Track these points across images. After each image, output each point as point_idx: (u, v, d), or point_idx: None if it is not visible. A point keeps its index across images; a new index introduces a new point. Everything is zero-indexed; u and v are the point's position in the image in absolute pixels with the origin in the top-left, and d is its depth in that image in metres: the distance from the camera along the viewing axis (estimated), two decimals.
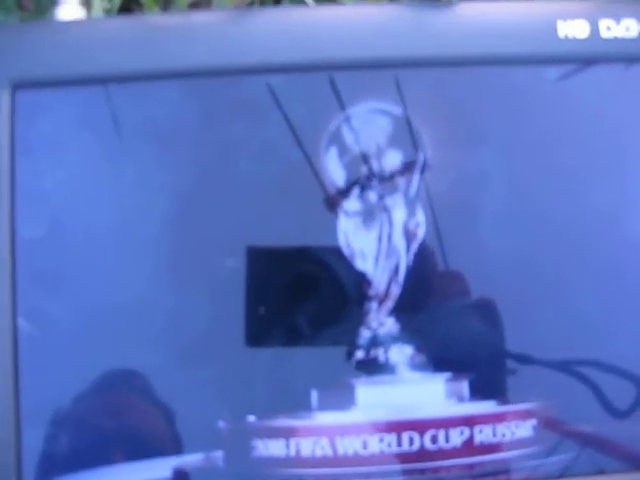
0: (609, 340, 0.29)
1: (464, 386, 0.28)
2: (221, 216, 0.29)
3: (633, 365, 0.29)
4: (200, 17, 0.30)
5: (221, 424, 0.28)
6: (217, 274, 0.29)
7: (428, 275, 0.29)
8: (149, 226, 0.29)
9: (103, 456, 0.28)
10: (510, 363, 0.29)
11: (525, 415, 0.28)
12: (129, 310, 0.28)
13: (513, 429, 0.28)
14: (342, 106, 0.29)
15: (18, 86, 0.29)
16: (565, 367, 0.28)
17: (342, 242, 0.29)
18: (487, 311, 0.29)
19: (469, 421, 0.28)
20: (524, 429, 0.28)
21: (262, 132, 0.29)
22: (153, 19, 0.31)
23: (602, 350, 0.29)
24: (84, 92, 0.29)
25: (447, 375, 0.28)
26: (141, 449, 0.28)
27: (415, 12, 0.30)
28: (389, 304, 0.29)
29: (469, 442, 0.28)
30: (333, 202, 0.29)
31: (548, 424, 0.28)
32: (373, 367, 0.28)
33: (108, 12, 0.33)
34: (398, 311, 0.29)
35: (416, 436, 0.28)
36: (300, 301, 0.29)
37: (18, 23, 0.34)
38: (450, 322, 0.29)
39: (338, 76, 0.29)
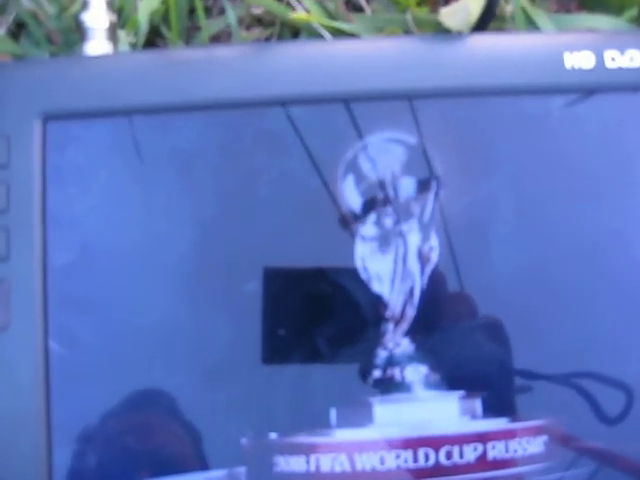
0: (620, 356, 0.30)
1: (477, 404, 0.29)
2: (242, 241, 0.30)
3: None
4: (221, 51, 0.31)
5: (244, 441, 0.29)
6: (239, 297, 0.30)
7: (441, 297, 0.30)
8: (173, 251, 0.30)
9: (130, 473, 0.29)
10: (521, 381, 0.29)
11: (537, 431, 0.29)
12: (155, 332, 0.30)
13: (525, 445, 0.29)
14: (359, 135, 0.30)
15: (49, 117, 0.30)
16: (576, 383, 0.29)
17: (359, 266, 0.30)
18: (498, 330, 0.30)
19: (482, 438, 0.29)
20: (536, 445, 0.29)
21: (282, 161, 0.30)
22: (176, 53, 0.32)
23: (614, 366, 0.29)
24: (111, 123, 0.31)
25: (461, 393, 0.29)
26: (167, 466, 0.29)
27: (428, 44, 0.31)
28: (404, 325, 0.30)
29: (482, 458, 0.29)
30: (350, 227, 0.30)
31: (560, 440, 0.29)
32: (389, 386, 0.29)
33: (134, 46, 0.34)
34: (413, 332, 0.29)
35: (431, 452, 0.29)
36: (319, 323, 0.30)
37: (48, 57, 0.35)
38: (463, 342, 0.30)
39: (355, 107, 0.30)
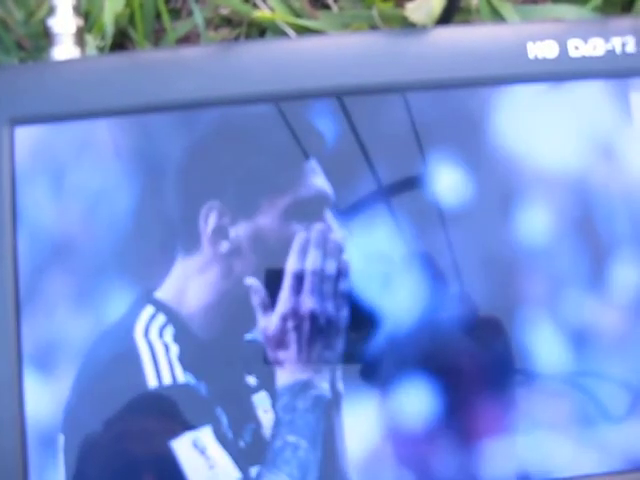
0: None
1: None
2: None
3: None
4: (185, 52, 0.32)
5: None
6: None
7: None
8: (145, 252, 0.30)
9: None
10: None
11: None
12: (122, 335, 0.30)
13: None
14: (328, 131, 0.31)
15: (17, 122, 0.31)
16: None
17: None
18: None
19: None
20: None
21: (248, 158, 0.30)
22: (141, 55, 0.32)
23: None
24: (79, 126, 0.31)
25: None
26: None
27: (393, 38, 0.31)
28: None
29: None
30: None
31: None
32: None
33: (102, 49, 0.34)
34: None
35: None
36: None
37: (17, 63, 0.36)
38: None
39: (321, 103, 0.31)
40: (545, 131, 0.31)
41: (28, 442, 0.29)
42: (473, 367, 0.30)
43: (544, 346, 0.30)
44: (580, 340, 0.30)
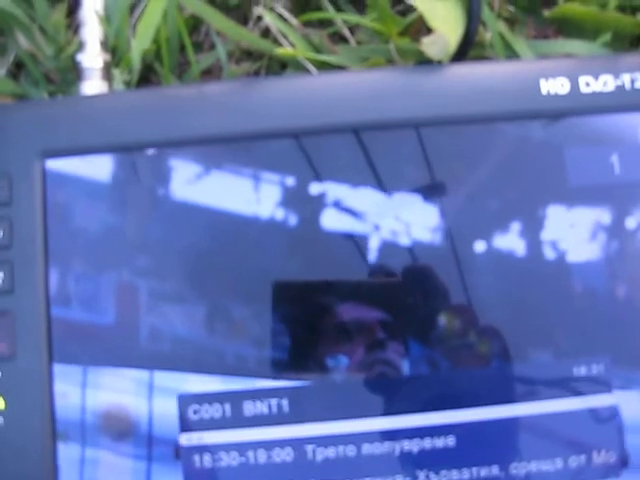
0: None
1: None
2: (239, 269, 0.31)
3: None
4: (212, 88, 0.33)
5: None
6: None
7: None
8: (173, 283, 0.31)
9: None
10: None
11: None
12: (155, 354, 0.31)
13: None
14: (344, 167, 0.32)
15: (48, 155, 0.32)
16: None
17: None
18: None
19: None
20: None
21: (269, 193, 0.32)
22: (169, 91, 0.33)
23: None
24: (108, 160, 0.32)
25: None
26: None
27: (409, 75, 0.33)
28: None
29: None
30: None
31: None
32: None
33: (128, 84, 0.35)
34: None
35: None
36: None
37: (46, 97, 0.37)
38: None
39: (342, 138, 0.32)
40: (556, 166, 0.32)
41: None
42: None
43: None
44: None
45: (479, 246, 0.31)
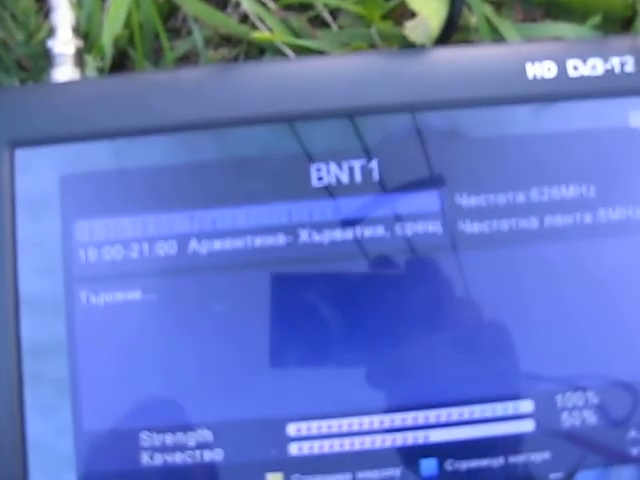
0: None
1: None
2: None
3: None
4: (187, 73, 0.32)
5: None
6: None
7: None
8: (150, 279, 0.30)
9: None
10: None
11: None
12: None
13: None
14: (328, 153, 0.31)
15: (17, 144, 0.31)
16: None
17: None
18: None
19: None
20: None
21: (246, 181, 0.31)
22: (142, 77, 0.32)
23: None
24: (79, 148, 0.31)
25: None
26: None
27: (391, 59, 0.31)
28: None
29: None
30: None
31: None
32: None
33: (101, 70, 0.34)
34: None
35: None
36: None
37: (17, 83, 0.36)
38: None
39: (320, 125, 0.31)
40: (543, 151, 0.31)
41: None
42: None
43: None
44: None
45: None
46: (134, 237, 0.30)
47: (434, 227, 0.30)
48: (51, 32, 0.33)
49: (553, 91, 0.31)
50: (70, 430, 0.30)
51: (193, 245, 0.30)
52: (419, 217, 0.30)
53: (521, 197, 0.30)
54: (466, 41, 0.36)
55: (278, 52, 0.35)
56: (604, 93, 0.31)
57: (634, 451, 0.30)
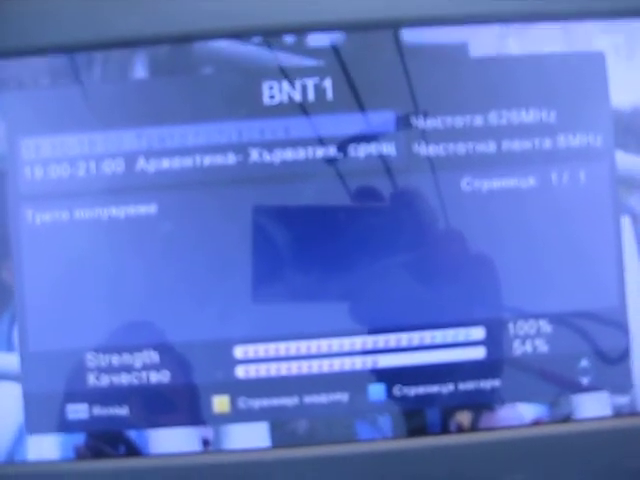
0: None
1: None
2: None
3: None
4: None
5: None
6: None
7: None
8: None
9: None
10: None
11: None
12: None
13: None
14: (276, 71, 0.30)
15: None
16: None
17: None
18: None
19: None
20: None
21: (196, 98, 0.30)
22: None
23: None
24: (21, 63, 0.30)
25: None
26: None
27: None
28: None
29: None
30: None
31: None
32: None
33: None
34: None
35: None
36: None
37: None
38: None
39: (271, 41, 0.30)
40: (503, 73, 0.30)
41: None
42: None
43: None
44: None
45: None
46: (81, 155, 0.29)
47: (388, 149, 0.29)
48: None
49: (516, 11, 0.30)
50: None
51: (141, 163, 0.29)
52: (372, 138, 0.29)
53: (479, 120, 0.29)
54: None
55: None
56: (568, 15, 0.30)
57: (584, 380, 0.30)
